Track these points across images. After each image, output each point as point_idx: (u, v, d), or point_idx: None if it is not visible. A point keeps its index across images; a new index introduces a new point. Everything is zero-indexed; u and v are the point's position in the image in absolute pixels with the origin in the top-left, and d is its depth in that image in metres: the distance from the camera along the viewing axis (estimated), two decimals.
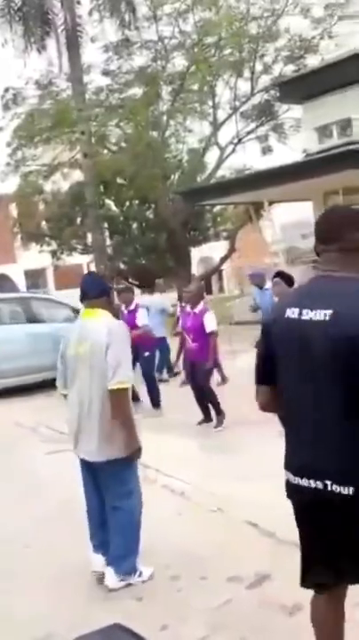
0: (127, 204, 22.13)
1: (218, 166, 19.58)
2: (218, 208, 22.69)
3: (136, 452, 3.55)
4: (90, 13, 17.38)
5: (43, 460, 6.33)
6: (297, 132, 19.63)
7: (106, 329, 3.48)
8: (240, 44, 16.62)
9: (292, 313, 2.16)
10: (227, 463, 5.62)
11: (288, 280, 6.04)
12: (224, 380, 8.49)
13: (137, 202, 21.99)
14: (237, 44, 16.46)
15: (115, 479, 3.60)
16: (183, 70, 17.49)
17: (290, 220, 26.92)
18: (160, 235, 21.08)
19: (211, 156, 20.28)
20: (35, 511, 4.93)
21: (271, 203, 15.59)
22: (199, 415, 7.03)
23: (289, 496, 2.36)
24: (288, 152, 19.81)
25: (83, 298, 3.77)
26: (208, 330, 6.62)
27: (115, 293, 5.34)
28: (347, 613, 2.49)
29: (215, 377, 7.90)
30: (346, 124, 16.04)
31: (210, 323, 6.64)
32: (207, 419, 6.96)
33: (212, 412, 6.91)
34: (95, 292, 3.69)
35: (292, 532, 3.94)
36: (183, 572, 3.70)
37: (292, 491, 2.29)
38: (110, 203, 21.85)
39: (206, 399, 6.82)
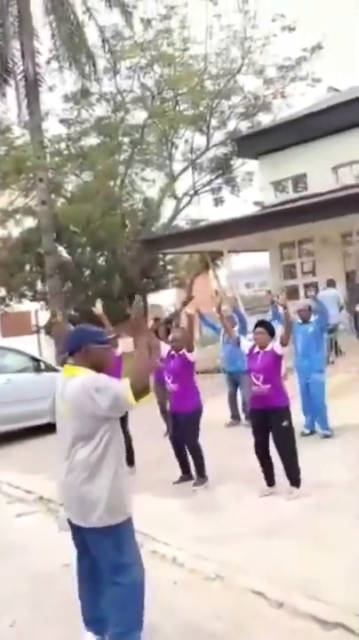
0: (79, 250, 22.00)
1: (174, 216, 19.79)
2: (170, 256, 22.87)
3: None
4: (48, 62, 17.56)
5: (14, 524, 5.92)
6: (249, 185, 20.19)
7: (80, 386, 3.22)
8: (199, 99, 17.06)
9: None
10: (215, 523, 5.38)
11: (270, 330, 6.04)
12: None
13: (89, 249, 21.90)
14: (197, 98, 16.89)
15: (108, 549, 3.28)
16: (141, 123, 17.75)
17: (234, 269, 27.27)
18: (112, 281, 20.97)
19: (167, 206, 20.56)
20: (16, 583, 4.55)
21: (229, 252, 15.77)
22: (177, 472, 6.77)
23: None
24: (239, 204, 20.33)
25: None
26: (191, 359, 6.47)
27: None
28: None
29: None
30: (301, 179, 16.59)
31: (192, 355, 6.50)
32: (187, 476, 6.70)
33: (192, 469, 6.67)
34: (69, 347, 3.46)
35: (303, 601, 3.81)
36: None
37: None
38: (62, 249, 21.66)
39: (193, 456, 6.56)
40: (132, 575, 3.33)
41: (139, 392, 3.12)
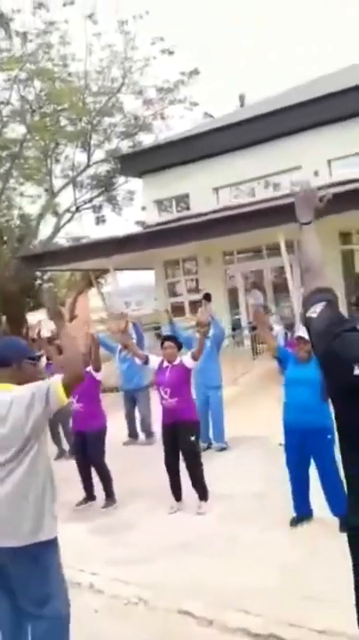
0: None
1: (54, 233, 19.36)
2: (49, 274, 22.32)
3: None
4: None
5: None
6: (131, 204, 20.31)
7: (11, 402, 2.97)
8: (80, 115, 16.92)
9: None
10: (127, 545, 5.21)
11: (178, 344, 6.11)
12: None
13: None
14: (79, 114, 16.73)
15: (33, 571, 2.98)
16: (20, 137, 17.24)
17: (120, 288, 27.26)
18: None
19: (47, 223, 20.06)
20: None
21: (115, 270, 15.65)
22: (77, 494, 6.51)
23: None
24: (121, 223, 20.38)
25: None
26: (98, 378, 6.37)
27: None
28: None
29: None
30: (183, 199, 16.94)
31: (99, 374, 6.41)
32: (90, 498, 6.47)
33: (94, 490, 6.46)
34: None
35: (232, 616, 3.76)
36: None
37: None
38: None
39: (100, 476, 6.35)
40: (57, 607, 3.06)
41: (71, 386, 3.01)
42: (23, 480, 2.96)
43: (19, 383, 3.12)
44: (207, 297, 8.66)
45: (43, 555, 3.01)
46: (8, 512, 2.97)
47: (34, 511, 2.98)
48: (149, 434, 8.88)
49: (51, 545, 3.05)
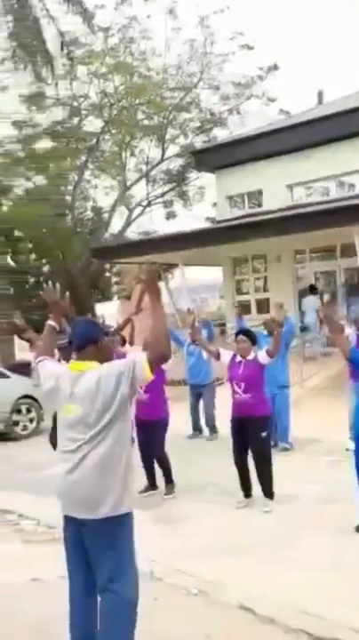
0: (23, 256, 21.44)
1: (126, 227, 19.59)
2: (117, 267, 22.64)
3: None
4: (1, 62, 17.11)
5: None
6: (202, 199, 20.27)
7: (98, 378, 3.05)
8: (158, 109, 17.04)
9: None
10: (186, 537, 5.18)
11: (252, 338, 5.97)
12: None
13: (34, 255, 21.42)
14: (159, 108, 16.86)
15: (110, 543, 3.04)
16: (98, 130, 17.54)
17: (177, 285, 27.45)
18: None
19: (117, 216, 20.31)
20: None
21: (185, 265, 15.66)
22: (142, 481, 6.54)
23: None
24: (191, 219, 20.34)
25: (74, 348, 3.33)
26: (164, 368, 6.30)
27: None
28: None
29: None
30: (256, 195, 16.77)
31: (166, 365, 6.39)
32: (152, 486, 6.50)
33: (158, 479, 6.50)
34: (85, 340, 3.22)
35: (295, 617, 3.66)
36: None
37: None
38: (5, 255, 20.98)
39: (160, 463, 6.40)
40: (128, 588, 3.11)
41: (157, 363, 3.05)
42: (107, 455, 3.02)
43: (101, 360, 3.22)
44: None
45: (120, 529, 3.06)
46: (92, 486, 3.03)
47: (116, 485, 3.04)
48: (213, 429, 8.85)
49: (128, 520, 3.11)
